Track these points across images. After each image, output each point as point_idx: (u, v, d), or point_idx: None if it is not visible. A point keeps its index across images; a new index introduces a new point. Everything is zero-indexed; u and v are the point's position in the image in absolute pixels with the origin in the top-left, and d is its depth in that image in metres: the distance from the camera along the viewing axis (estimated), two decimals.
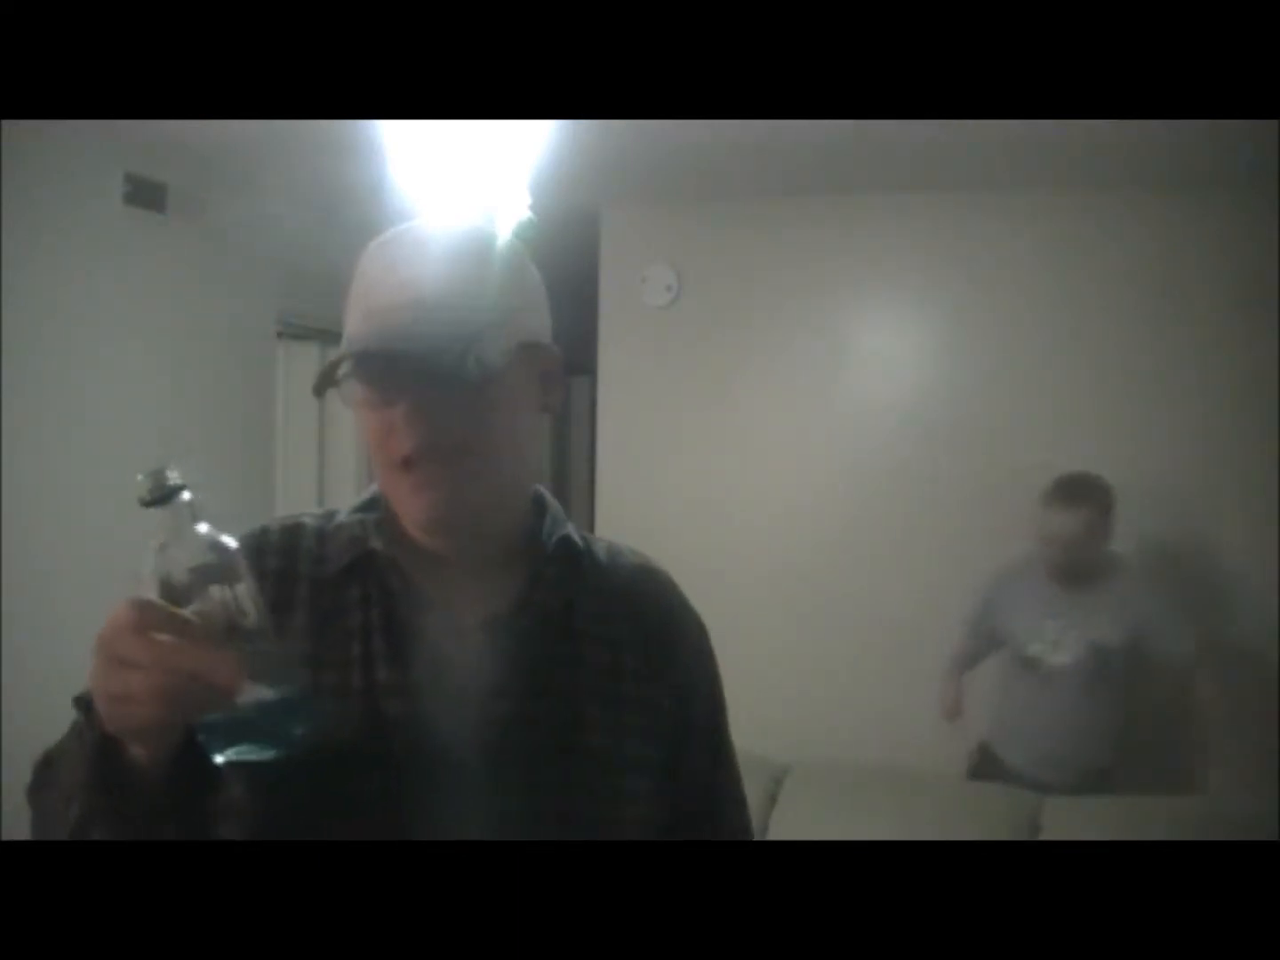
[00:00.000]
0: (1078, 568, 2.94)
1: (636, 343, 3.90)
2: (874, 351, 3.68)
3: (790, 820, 2.90)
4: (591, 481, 4.12)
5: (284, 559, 1.01)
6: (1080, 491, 2.90)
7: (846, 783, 3.04)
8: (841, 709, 3.59)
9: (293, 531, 1.03)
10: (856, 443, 3.66)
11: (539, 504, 1.08)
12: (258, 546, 1.01)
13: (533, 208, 2.19)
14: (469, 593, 1.00)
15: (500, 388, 0.96)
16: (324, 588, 0.99)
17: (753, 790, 3.28)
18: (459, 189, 2.18)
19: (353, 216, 3.41)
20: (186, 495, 0.81)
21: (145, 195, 3.01)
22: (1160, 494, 3.36)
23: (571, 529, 1.07)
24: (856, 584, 3.64)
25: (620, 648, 1.03)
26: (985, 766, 3.18)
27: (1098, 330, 3.44)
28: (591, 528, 4.11)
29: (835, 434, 3.69)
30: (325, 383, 0.96)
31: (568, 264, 3.83)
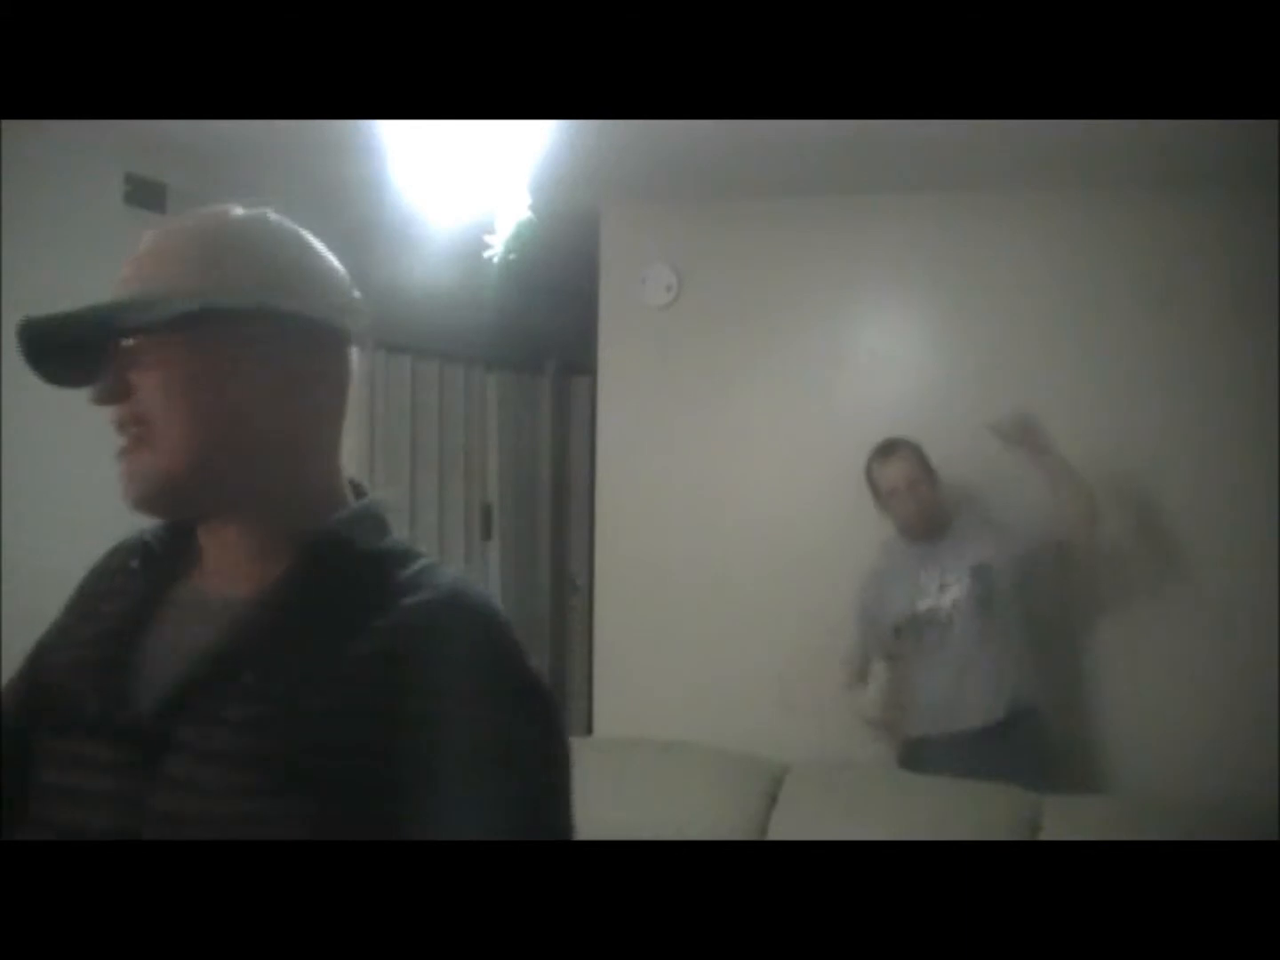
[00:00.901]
0: (924, 514, 3.21)
1: (636, 343, 3.89)
2: (874, 351, 3.68)
3: (790, 820, 2.90)
4: (591, 481, 4.11)
5: (112, 560, 1.06)
6: (892, 444, 3.25)
7: (846, 783, 3.04)
8: (841, 709, 3.59)
9: (136, 537, 1.06)
10: (856, 442, 3.65)
11: (344, 497, 1.00)
12: (110, 559, 1.07)
13: (533, 208, 2.19)
14: (221, 584, 0.96)
15: (196, 354, 0.92)
16: (121, 583, 1.01)
17: (753, 790, 3.28)
18: (459, 189, 2.18)
19: (353, 216, 3.41)
20: None
21: (145, 195, 3.01)
22: (1160, 493, 3.36)
23: (357, 529, 0.96)
24: (856, 583, 3.63)
25: (386, 686, 0.87)
26: (911, 753, 3.25)
27: (1097, 330, 3.44)
28: (591, 528, 4.11)
29: (835, 434, 3.68)
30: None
31: (568, 264, 3.84)
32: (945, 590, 3.17)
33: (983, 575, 3.13)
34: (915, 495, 3.20)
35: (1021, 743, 3.05)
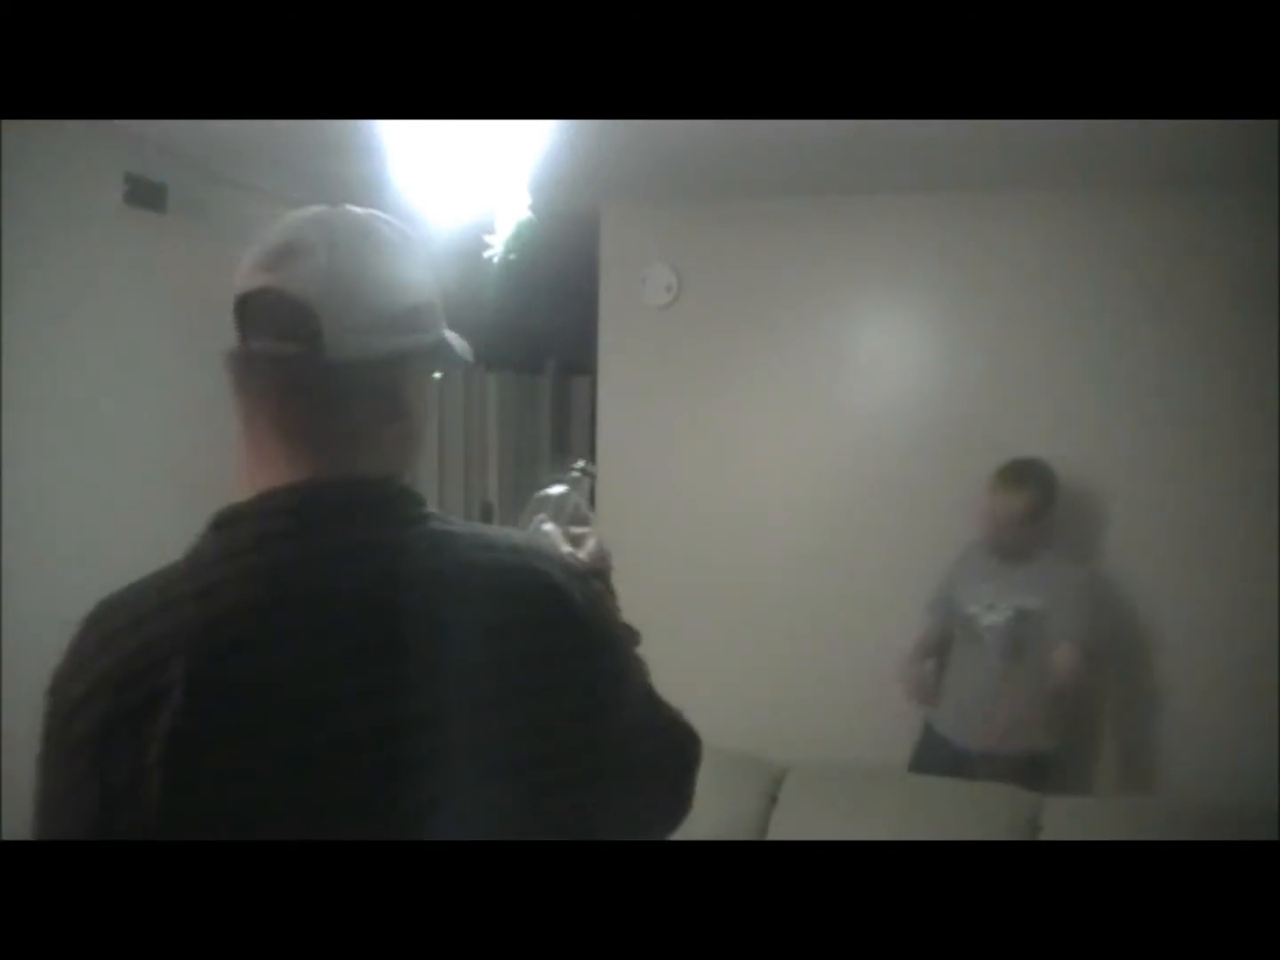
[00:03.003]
0: (1017, 545, 3.19)
1: (636, 343, 3.89)
2: (874, 351, 3.68)
3: (790, 820, 2.90)
4: (592, 481, 4.11)
5: None
6: (1026, 474, 3.17)
7: (846, 783, 3.04)
8: (841, 709, 3.59)
9: None
10: (857, 442, 3.65)
11: None
12: None
13: (533, 208, 2.19)
14: None
15: None
16: None
17: (753, 790, 3.27)
18: (459, 189, 2.18)
19: None
20: None
21: (145, 195, 3.00)
22: (1158, 494, 3.36)
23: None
24: (857, 584, 3.64)
25: None
26: (927, 749, 3.28)
27: (1097, 330, 3.44)
28: None
29: (835, 434, 3.68)
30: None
31: (568, 264, 3.84)
32: (991, 610, 3.17)
33: (1026, 620, 3.11)
34: (1019, 527, 3.15)
35: (1017, 784, 3.01)
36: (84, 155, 2.83)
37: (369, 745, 0.86)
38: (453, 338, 1.06)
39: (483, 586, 0.94)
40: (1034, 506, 3.14)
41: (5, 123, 2.37)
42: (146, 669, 0.85)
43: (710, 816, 2.86)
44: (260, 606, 0.88)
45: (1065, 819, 2.75)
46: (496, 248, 2.21)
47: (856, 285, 3.69)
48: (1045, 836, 2.71)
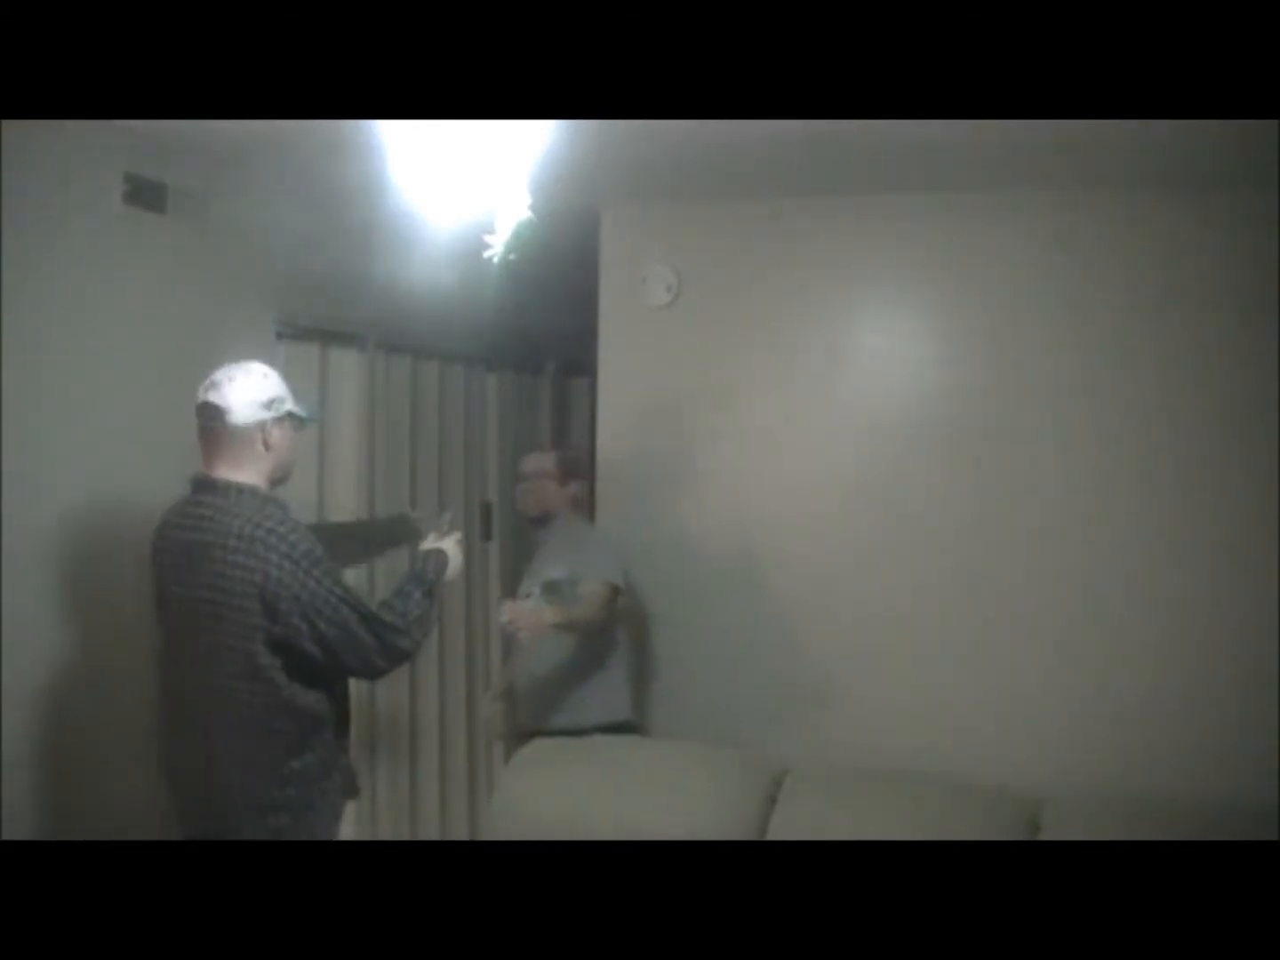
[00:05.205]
0: (540, 506, 3.49)
1: (636, 343, 3.90)
2: (874, 351, 3.68)
3: (790, 820, 2.90)
4: (591, 481, 4.11)
5: None
6: (557, 446, 3.61)
7: (846, 783, 3.04)
8: (840, 708, 3.59)
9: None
10: (857, 442, 3.65)
11: None
12: None
13: (533, 208, 2.18)
14: None
15: None
16: None
17: (753, 790, 3.27)
18: (459, 189, 2.17)
19: (353, 216, 3.40)
20: None
21: (145, 195, 3.00)
22: (1160, 493, 3.36)
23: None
24: (856, 583, 3.64)
25: None
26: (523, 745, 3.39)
27: (1097, 331, 3.44)
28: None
29: (835, 434, 3.68)
30: None
31: (568, 264, 3.84)
32: (528, 597, 3.32)
33: (553, 590, 3.27)
34: (539, 485, 3.47)
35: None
36: (84, 155, 2.83)
37: (193, 630, 2.19)
38: (296, 407, 2.36)
39: (248, 535, 2.18)
40: (554, 466, 3.47)
41: (5, 123, 2.37)
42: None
43: (710, 816, 2.87)
44: (184, 532, 2.24)
45: (1065, 819, 2.75)
46: (496, 248, 2.20)
47: (856, 285, 3.69)
48: (1045, 836, 2.71)
